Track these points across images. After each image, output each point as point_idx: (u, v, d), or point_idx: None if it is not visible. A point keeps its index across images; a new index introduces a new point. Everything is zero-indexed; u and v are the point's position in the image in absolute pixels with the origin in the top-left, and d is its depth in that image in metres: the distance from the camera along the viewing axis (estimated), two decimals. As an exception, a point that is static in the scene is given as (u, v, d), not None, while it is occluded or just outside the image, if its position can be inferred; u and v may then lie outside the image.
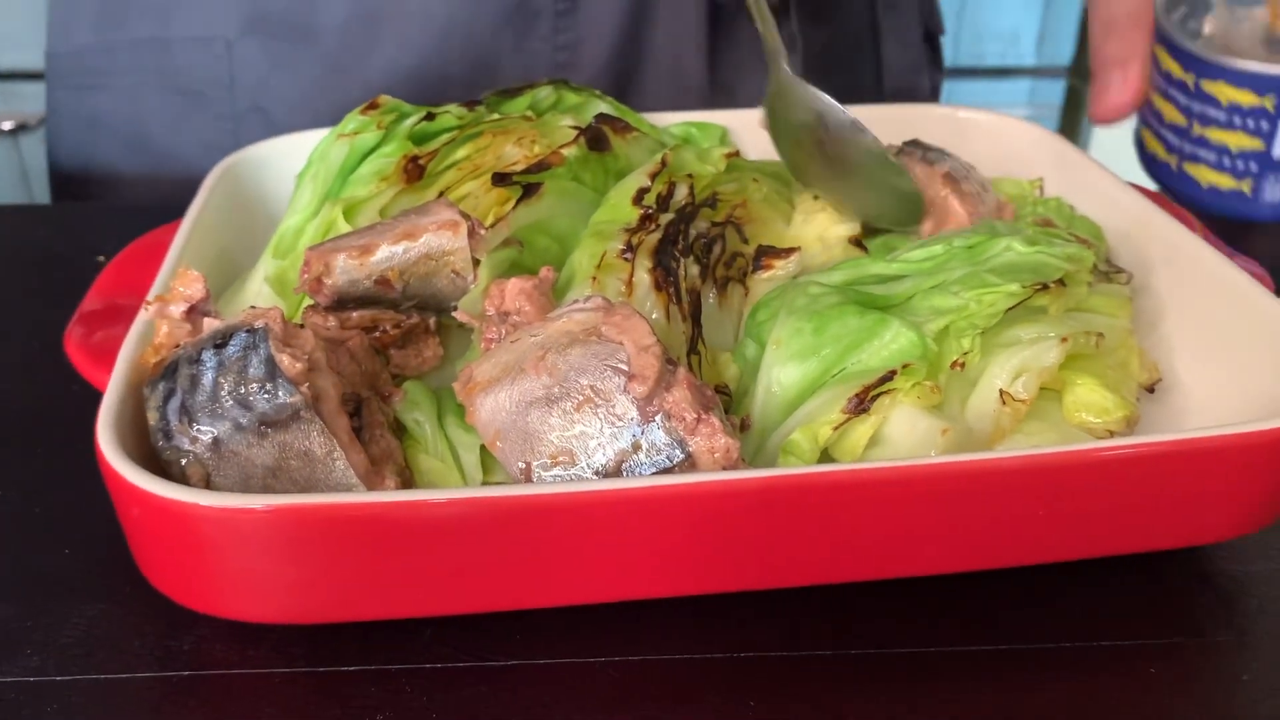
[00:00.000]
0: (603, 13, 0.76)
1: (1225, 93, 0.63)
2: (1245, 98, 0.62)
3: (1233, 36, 0.69)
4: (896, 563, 0.40)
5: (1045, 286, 0.46)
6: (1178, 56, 0.65)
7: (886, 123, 0.68)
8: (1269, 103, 0.61)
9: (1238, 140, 0.63)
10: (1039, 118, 2.10)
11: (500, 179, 0.50)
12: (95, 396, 0.41)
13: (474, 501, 0.36)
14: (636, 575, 0.39)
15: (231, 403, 0.38)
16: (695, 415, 0.38)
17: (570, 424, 0.39)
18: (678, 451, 0.38)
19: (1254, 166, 0.63)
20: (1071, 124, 2.29)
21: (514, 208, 0.48)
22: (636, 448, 0.38)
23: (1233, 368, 0.48)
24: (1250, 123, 0.62)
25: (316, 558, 0.37)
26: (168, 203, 0.58)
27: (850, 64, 0.89)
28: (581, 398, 0.39)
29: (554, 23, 0.76)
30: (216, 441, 0.38)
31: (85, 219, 0.75)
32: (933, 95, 0.92)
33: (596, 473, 0.38)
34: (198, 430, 0.38)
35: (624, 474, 0.38)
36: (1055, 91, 2.29)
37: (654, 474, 0.38)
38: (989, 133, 0.68)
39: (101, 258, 0.64)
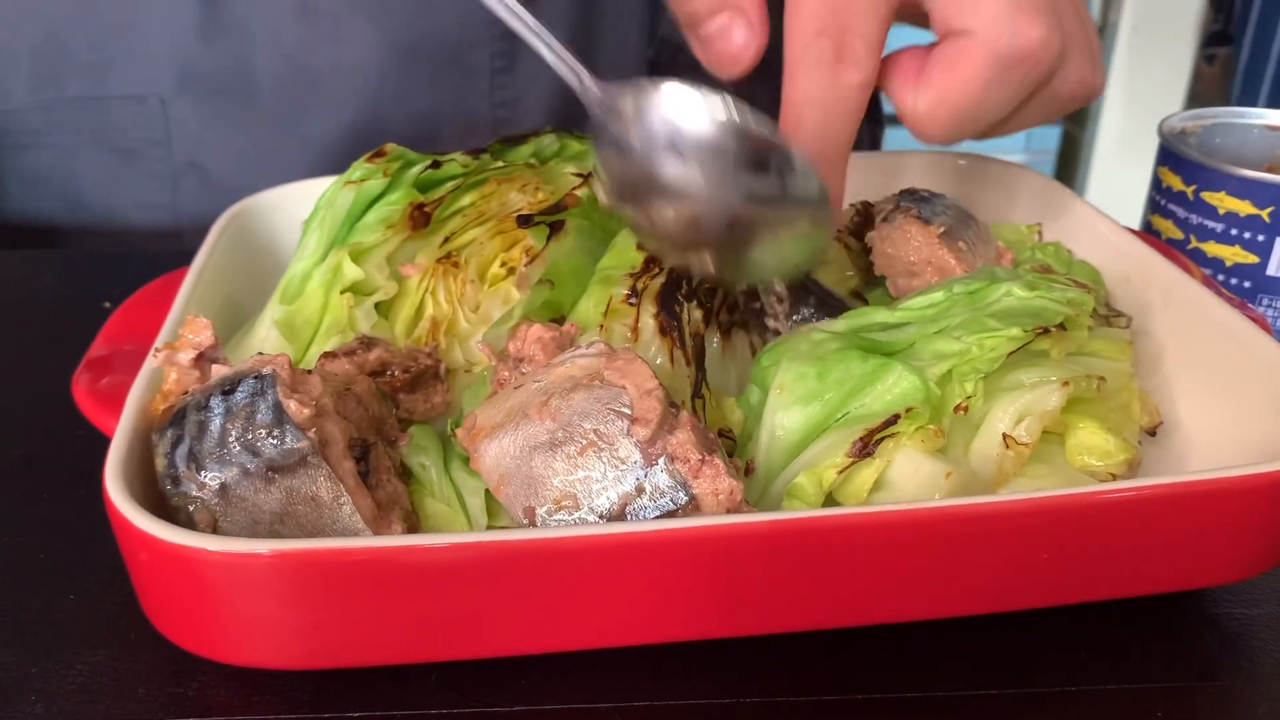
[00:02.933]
0: (541, 70, 0.76)
1: (1225, 202, 0.63)
2: (1243, 207, 0.63)
3: (1240, 148, 0.70)
4: (901, 607, 0.40)
5: (1046, 331, 0.46)
6: (1179, 169, 0.66)
7: (883, 169, 0.69)
8: (1266, 214, 0.62)
9: (1234, 254, 0.64)
10: (1035, 163, 2.12)
11: (524, 220, 0.51)
12: (102, 442, 0.41)
13: (477, 546, 0.36)
14: (641, 620, 0.39)
15: (239, 449, 0.39)
16: (699, 457, 0.38)
17: (574, 468, 0.39)
18: (681, 494, 0.38)
19: (1247, 284, 0.64)
20: (1068, 169, 2.31)
21: (545, 246, 0.50)
22: (640, 491, 0.39)
23: (1233, 410, 0.48)
24: (1246, 235, 0.63)
25: (322, 602, 0.37)
26: (169, 250, 0.58)
27: None
28: (585, 442, 0.39)
29: (491, 80, 0.77)
30: (224, 487, 0.38)
31: (92, 265, 0.76)
32: (873, 147, 0.92)
33: (600, 516, 0.39)
34: (205, 476, 0.39)
35: (628, 517, 0.38)
36: (1051, 137, 2.32)
37: (658, 517, 0.38)
38: (987, 178, 0.68)
39: (108, 304, 0.64)
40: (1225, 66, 2.05)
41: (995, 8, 0.45)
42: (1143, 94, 2.11)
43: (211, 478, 0.38)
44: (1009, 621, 0.42)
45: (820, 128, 0.46)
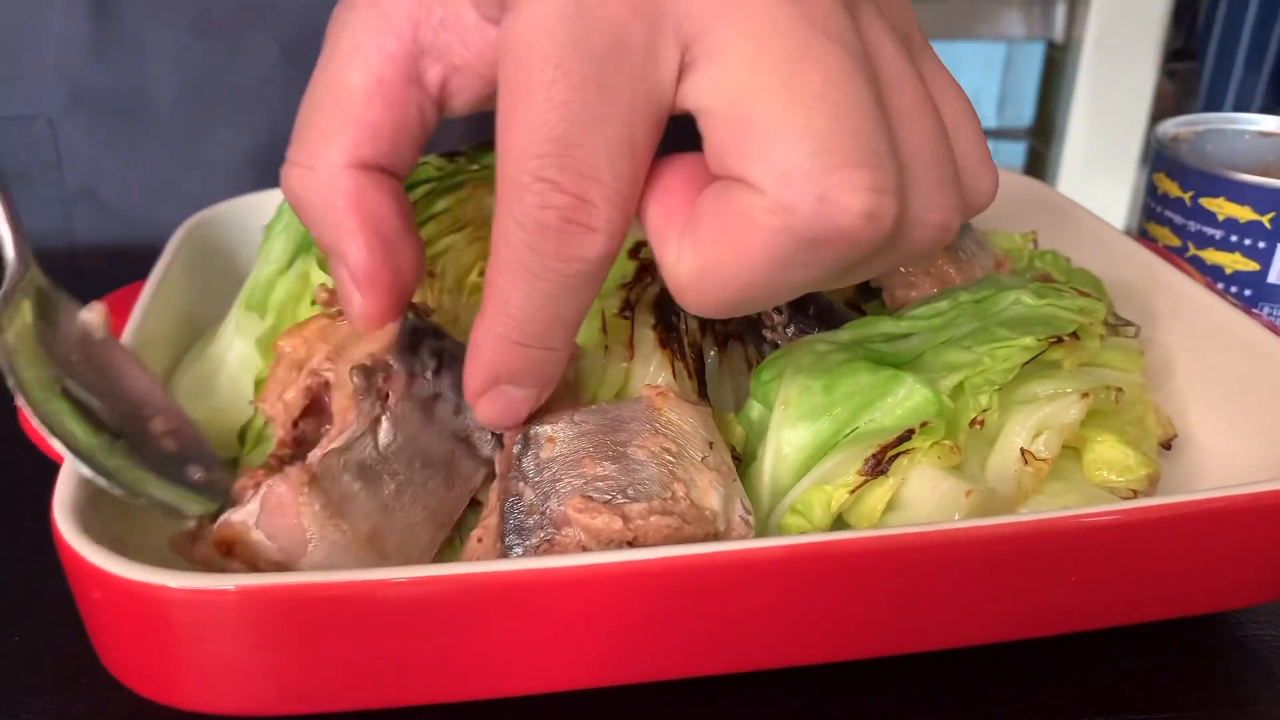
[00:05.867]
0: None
1: (1224, 208, 0.62)
2: (1243, 213, 0.61)
3: (1233, 155, 0.69)
4: (921, 636, 0.38)
5: (1060, 340, 0.44)
6: (1176, 175, 0.64)
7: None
8: (1268, 220, 0.61)
9: (1233, 262, 0.62)
10: (1002, 178, 2.12)
11: None
12: (51, 469, 0.38)
13: (465, 578, 0.34)
14: (644, 656, 0.36)
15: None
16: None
17: (643, 447, 0.38)
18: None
19: (1248, 292, 0.63)
20: (1033, 185, 2.31)
21: None
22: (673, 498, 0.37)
23: (1249, 421, 0.46)
24: (1247, 242, 0.61)
25: (292, 643, 0.34)
26: (129, 265, 0.55)
27: None
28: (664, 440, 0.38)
29: None
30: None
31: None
32: None
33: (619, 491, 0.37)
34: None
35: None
36: (1017, 153, 2.32)
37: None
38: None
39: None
40: (1188, 82, 2.07)
41: (790, 157, 0.29)
42: (1108, 110, 2.11)
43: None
44: (1030, 649, 0.40)
45: (536, 310, 0.33)
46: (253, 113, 0.72)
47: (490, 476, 0.40)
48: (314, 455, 0.37)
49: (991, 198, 0.36)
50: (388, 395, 0.39)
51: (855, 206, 0.29)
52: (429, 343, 0.40)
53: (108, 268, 0.73)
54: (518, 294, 0.33)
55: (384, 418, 0.38)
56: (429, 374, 0.39)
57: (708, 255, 0.31)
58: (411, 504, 0.38)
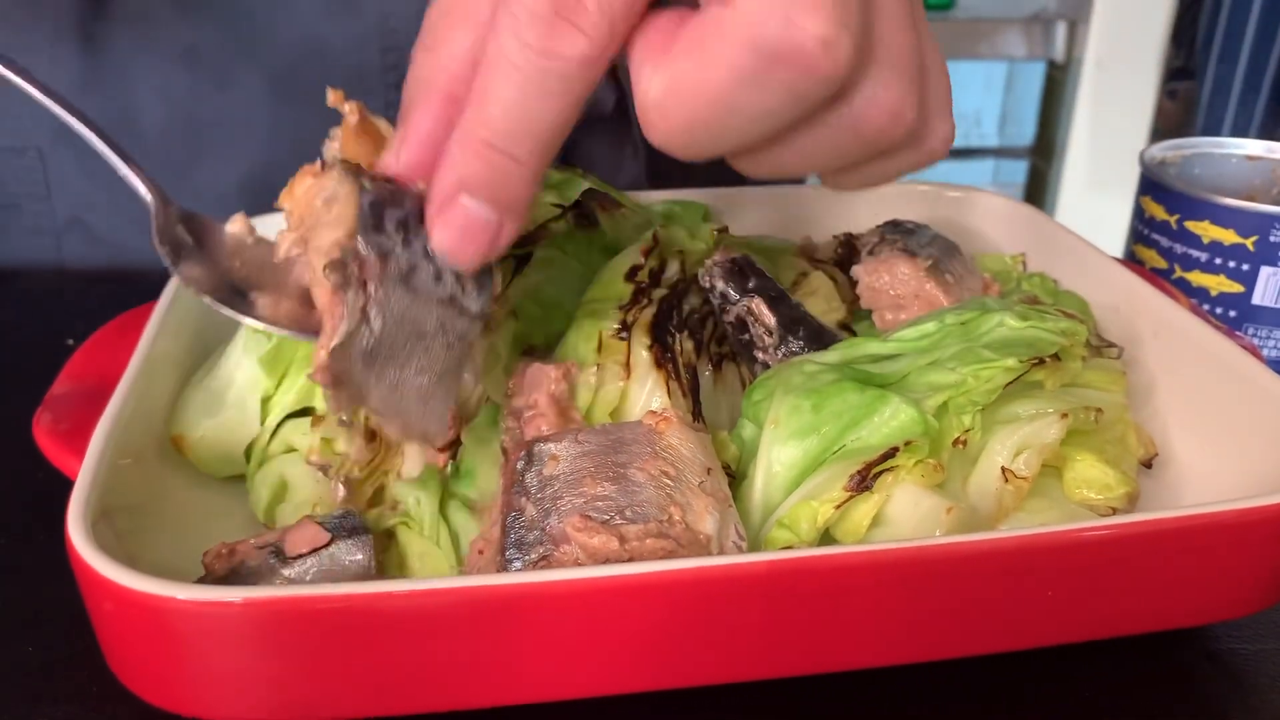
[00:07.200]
0: None
1: (1209, 231, 0.63)
2: (1227, 236, 0.62)
3: (1219, 179, 0.70)
4: (900, 649, 0.39)
5: (1041, 361, 0.45)
6: (1161, 199, 0.66)
7: (867, 199, 0.68)
8: (1251, 243, 0.62)
9: (1218, 284, 0.64)
10: (1003, 196, 2.13)
11: None
12: (62, 484, 0.39)
13: (464, 591, 0.35)
14: (637, 666, 0.37)
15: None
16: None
17: (645, 467, 0.39)
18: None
19: (1233, 313, 0.64)
20: (1035, 203, 2.32)
21: (511, 280, 0.48)
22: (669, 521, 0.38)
23: (1228, 441, 0.48)
24: (1231, 264, 0.63)
25: (297, 653, 0.35)
26: (137, 285, 0.56)
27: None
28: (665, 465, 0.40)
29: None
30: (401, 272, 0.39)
31: (53, 301, 0.73)
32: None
33: (620, 512, 0.38)
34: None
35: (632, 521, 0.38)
36: (1018, 171, 2.34)
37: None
38: (970, 209, 0.68)
39: (71, 341, 0.62)
40: (1188, 101, 2.08)
41: None
42: (1108, 129, 2.13)
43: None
44: (1008, 662, 0.41)
45: (510, 106, 0.35)
46: (240, 144, 0.73)
47: (484, 329, 0.41)
48: (319, 356, 0.38)
49: (948, 145, 0.39)
50: (366, 282, 0.39)
51: (815, 30, 0.33)
52: (391, 213, 0.39)
53: (98, 295, 0.74)
54: (495, 87, 0.35)
55: (369, 307, 0.38)
56: (399, 247, 0.39)
57: (677, 69, 0.34)
58: (418, 375, 0.39)
